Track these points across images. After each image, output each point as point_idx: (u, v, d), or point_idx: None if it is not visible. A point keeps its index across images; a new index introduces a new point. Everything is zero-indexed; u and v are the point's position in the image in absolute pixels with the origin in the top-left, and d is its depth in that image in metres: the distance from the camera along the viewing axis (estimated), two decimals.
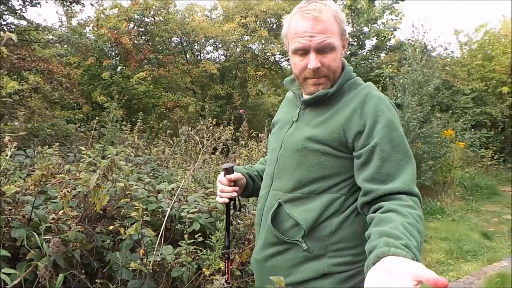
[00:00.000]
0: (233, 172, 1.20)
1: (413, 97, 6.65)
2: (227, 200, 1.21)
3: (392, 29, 11.23)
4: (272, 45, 10.98)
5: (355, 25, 11.31)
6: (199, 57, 11.39)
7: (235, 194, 1.19)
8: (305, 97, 1.11)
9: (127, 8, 9.14)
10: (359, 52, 11.80)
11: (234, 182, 1.20)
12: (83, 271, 1.57)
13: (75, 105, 8.07)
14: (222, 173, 1.20)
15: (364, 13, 11.10)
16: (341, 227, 1.02)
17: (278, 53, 11.95)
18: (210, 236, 1.71)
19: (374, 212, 0.92)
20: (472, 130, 10.09)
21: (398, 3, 11.23)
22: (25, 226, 1.33)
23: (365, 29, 11.38)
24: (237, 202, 1.26)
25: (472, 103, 10.70)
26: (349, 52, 11.58)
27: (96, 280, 1.58)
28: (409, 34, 9.51)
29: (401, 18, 11.80)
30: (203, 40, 10.50)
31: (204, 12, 11.12)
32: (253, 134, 3.91)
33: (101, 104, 6.81)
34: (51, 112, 6.45)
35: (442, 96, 8.55)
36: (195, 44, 10.78)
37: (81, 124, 5.94)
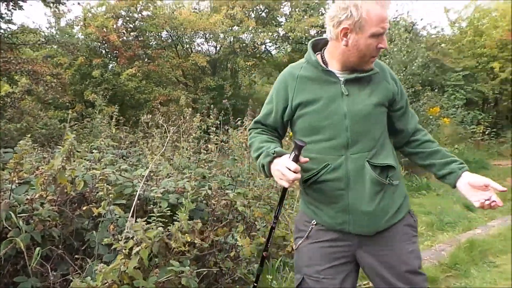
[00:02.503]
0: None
1: (398, 76, 6.75)
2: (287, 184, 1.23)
3: None
4: (262, 33, 11.05)
5: None
6: (189, 50, 11.50)
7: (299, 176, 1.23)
8: (352, 75, 1.31)
9: (114, 5, 9.24)
10: None
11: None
12: (63, 250, 1.76)
13: (69, 104, 8.26)
14: (293, 156, 1.22)
15: None
16: (395, 160, 1.36)
17: (268, 41, 12.02)
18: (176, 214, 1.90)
19: (411, 142, 1.42)
20: (463, 108, 10.22)
21: None
22: (6, 209, 1.51)
23: None
24: None
25: (463, 80, 10.76)
26: None
27: (76, 256, 1.77)
28: (393, 13, 9.58)
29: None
30: (192, 33, 10.60)
31: (191, 5, 11.19)
32: (238, 122, 4.07)
33: (93, 102, 6.99)
34: (45, 112, 6.64)
35: (427, 74, 8.64)
36: (185, 38, 10.88)
37: (75, 123, 6.09)
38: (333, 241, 1.34)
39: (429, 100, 7.45)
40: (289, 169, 1.19)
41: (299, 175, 1.21)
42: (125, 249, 1.14)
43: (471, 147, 9.15)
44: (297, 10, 11.45)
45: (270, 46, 12.65)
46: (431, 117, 7.14)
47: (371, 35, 1.21)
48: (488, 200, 1.21)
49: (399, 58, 7.08)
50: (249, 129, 1.51)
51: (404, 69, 7.06)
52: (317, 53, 1.39)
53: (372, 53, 1.26)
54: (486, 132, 9.74)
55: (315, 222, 1.37)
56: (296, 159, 1.22)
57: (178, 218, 1.82)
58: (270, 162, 1.29)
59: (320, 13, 11.43)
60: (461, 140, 8.98)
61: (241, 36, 11.17)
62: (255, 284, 1.54)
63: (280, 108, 1.39)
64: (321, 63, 1.34)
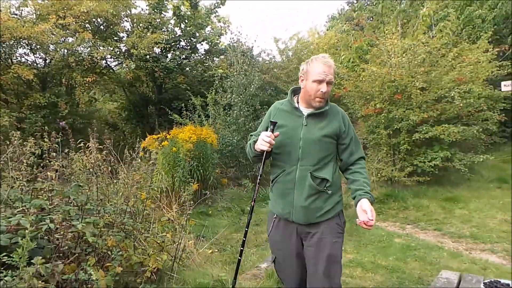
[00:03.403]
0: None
1: (239, 97, 7.37)
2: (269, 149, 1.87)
3: (218, 35, 12.00)
4: (102, 48, 10.26)
5: (183, 30, 11.60)
6: (9, 61, 9.72)
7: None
8: (311, 111, 1.95)
9: None
10: (192, 56, 12.25)
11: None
12: None
13: None
14: (271, 128, 1.88)
15: (190, 19, 11.52)
16: (335, 178, 1.96)
17: (109, 56, 11.27)
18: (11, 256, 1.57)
19: (347, 170, 2.02)
20: None
21: (220, 7, 12.10)
22: None
23: (197, 34, 11.88)
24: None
25: None
26: (183, 56, 11.92)
27: None
28: (230, 39, 10.48)
29: (228, 26, 12.75)
30: (12, 42, 9.02)
31: (9, 10, 9.50)
32: (80, 144, 3.64)
33: None
34: None
35: (264, 95, 9.70)
36: (2, 47, 9.16)
37: None
38: (285, 225, 1.98)
39: None
40: (267, 136, 1.84)
41: (273, 141, 1.84)
42: None
43: None
44: (139, 26, 11.16)
45: (112, 62, 11.89)
46: None
47: (313, 81, 1.87)
48: (365, 221, 1.78)
49: (239, 81, 7.73)
50: (249, 138, 2.14)
51: (244, 90, 7.72)
52: (295, 95, 2.05)
53: (316, 95, 1.90)
54: None
55: (275, 216, 2.01)
56: (272, 131, 1.87)
57: (14, 262, 1.52)
58: (255, 141, 1.93)
59: (163, 30, 11.44)
60: None
61: (76, 48, 10.13)
62: (246, 229, 2.04)
63: (265, 126, 2.04)
64: (294, 102, 2.00)
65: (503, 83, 5.88)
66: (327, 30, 18.30)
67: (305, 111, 1.97)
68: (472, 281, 2.30)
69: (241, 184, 7.28)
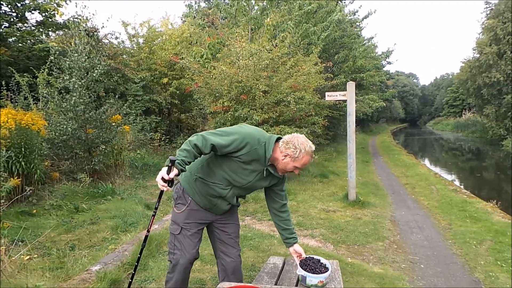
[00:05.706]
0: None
1: (79, 81, 6.53)
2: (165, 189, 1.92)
3: (56, 4, 10.39)
4: None
5: None
6: None
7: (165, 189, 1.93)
8: (273, 170, 2.21)
9: None
10: (20, 26, 10.28)
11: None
12: None
13: None
14: (165, 169, 1.88)
15: None
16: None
17: None
18: None
19: (279, 216, 2.46)
20: (142, 116, 11.22)
21: None
22: None
23: (26, 0, 10.00)
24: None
25: (142, 91, 11.78)
26: (6, 24, 9.86)
27: None
28: (74, 12, 9.13)
29: None
30: None
31: None
32: None
33: None
34: None
35: (109, 83, 8.89)
36: None
37: None
38: (201, 211, 2.31)
39: (111, 107, 7.63)
40: (163, 178, 1.88)
41: (165, 186, 1.89)
42: None
43: (151, 152, 10.22)
44: None
45: None
46: (113, 124, 7.35)
47: (295, 167, 2.16)
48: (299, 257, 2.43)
49: (80, 63, 6.83)
50: (202, 137, 2.04)
51: (86, 74, 6.89)
52: (276, 140, 2.18)
53: (287, 171, 2.21)
54: (162, 139, 11.17)
55: (190, 199, 2.28)
56: (169, 171, 1.87)
57: None
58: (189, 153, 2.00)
59: None
60: (142, 146, 9.83)
61: None
62: (136, 264, 2.34)
63: (232, 149, 2.08)
64: (268, 158, 2.13)
65: (327, 93, 6.92)
66: (183, 21, 18.08)
67: (268, 165, 2.21)
68: (293, 264, 2.61)
69: (76, 179, 6.47)
